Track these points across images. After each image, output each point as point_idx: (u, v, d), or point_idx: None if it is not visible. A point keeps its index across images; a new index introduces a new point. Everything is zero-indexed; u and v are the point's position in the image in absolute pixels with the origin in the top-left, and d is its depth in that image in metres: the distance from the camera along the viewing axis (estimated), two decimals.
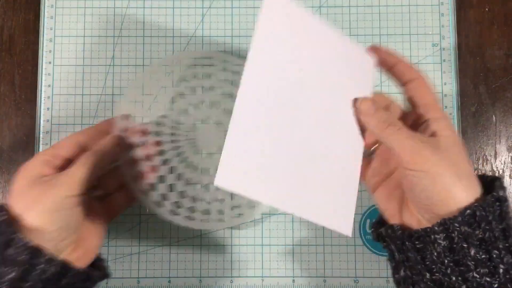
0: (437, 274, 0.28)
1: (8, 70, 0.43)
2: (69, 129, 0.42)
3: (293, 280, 0.40)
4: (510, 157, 0.42)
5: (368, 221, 0.41)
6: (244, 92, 0.29)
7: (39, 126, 0.42)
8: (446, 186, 0.28)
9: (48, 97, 0.42)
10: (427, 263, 0.28)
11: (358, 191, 0.32)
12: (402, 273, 0.30)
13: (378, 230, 0.32)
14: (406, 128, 0.30)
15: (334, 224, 0.32)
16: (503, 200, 0.27)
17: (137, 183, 0.36)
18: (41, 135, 0.42)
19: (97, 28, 0.43)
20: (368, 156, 0.34)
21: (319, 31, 0.33)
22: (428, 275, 0.28)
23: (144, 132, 0.37)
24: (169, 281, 0.41)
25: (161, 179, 0.38)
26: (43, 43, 0.43)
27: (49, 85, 0.42)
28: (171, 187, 0.38)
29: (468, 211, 0.27)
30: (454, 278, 0.27)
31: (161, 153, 0.38)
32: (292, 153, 0.31)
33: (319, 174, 0.32)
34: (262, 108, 0.30)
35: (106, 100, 0.42)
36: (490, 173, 0.42)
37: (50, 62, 0.42)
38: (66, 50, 0.43)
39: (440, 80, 0.42)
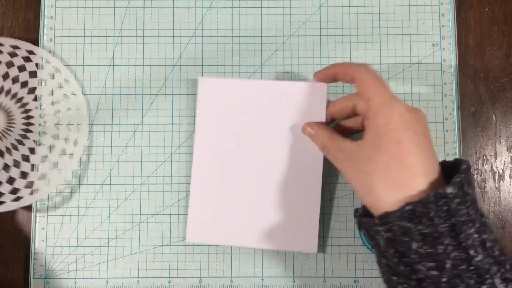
0: (389, 262, 0.29)
1: None
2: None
3: (293, 280, 0.40)
4: (510, 157, 0.42)
5: None
6: (197, 160, 0.39)
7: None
8: (375, 193, 0.30)
9: None
10: (381, 250, 0.30)
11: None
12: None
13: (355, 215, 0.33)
14: (339, 141, 0.33)
15: (299, 247, 0.38)
16: (451, 197, 0.27)
17: None
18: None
19: (97, 28, 0.43)
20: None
21: (258, 88, 0.39)
22: (384, 260, 0.30)
23: None
24: (169, 281, 0.41)
25: None
26: (43, 43, 0.43)
27: None
28: None
29: (408, 207, 0.27)
30: (402, 268, 0.28)
31: None
32: (251, 198, 0.38)
33: (281, 209, 0.38)
34: (215, 167, 0.39)
35: (106, 100, 0.42)
36: (490, 173, 0.42)
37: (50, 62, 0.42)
38: (66, 50, 0.43)
39: (440, 80, 0.42)
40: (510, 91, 0.43)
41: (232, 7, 0.43)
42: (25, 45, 0.42)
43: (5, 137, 0.41)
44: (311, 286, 0.40)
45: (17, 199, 0.40)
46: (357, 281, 0.40)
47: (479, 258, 0.27)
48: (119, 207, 0.41)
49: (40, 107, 0.41)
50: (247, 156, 0.39)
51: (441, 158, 0.41)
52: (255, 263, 0.41)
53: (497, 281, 0.26)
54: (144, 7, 0.43)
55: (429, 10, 0.43)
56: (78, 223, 0.41)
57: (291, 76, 0.42)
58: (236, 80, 0.39)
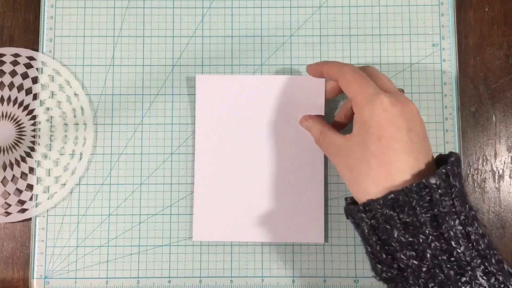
0: (373, 250, 0.30)
1: None
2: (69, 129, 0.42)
3: (293, 280, 0.40)
4: (510, 157, 0.42)
5: None
6: (199, 159, 0.39)
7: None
8: (359, 187, 0.31)
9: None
10: (366, 237, 0.30)
11: None
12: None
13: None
14: (330, 134, 0.34)
15: (306, 238, 0.39)
16: (434, 187, 0.27)
17: None
18: None
19: (97, 28, 0.43)
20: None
21: (256, 83, 0.39)
22: (369, 248, 0.31)
23: None
24: (169, 281, 0.41)
25: None
26: (43, 43, 0.43)
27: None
28: None
29: (391, 195, 0.28)
30: (384, 256, 0.29)
31: None
32: (254, 192, 0.39)
33: (285, 201, 0.39)
34: (217, 165, 0.39)
35: (106, 100, 0.42)
36: (490, 173, 0.42)
37: None
38: (66, 50, 0.43)
39: (440, 80, 0.42)
40: (510, 91, 0.43)
41: (232, 7, 0.43)
42: (25, 52, 0.42)
43: (17, 146, 0.41)
44: (311, 286, 0.40)
45: (37, 205, 0.41)
46: (357, 281, 0.40)
47: (461, 249, 0.27)
48: (119, 207, 0.41)
49: (46, 111, 0.42)
50: (249, 151, 0.39)
51: None
52: (255, 263, 0.41)
53: (479, 273, 0.26)
54: (144, 7, 0.43)
55: (429, 10, 0.43)
56: (78, 223, 0.41)
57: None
58: (233, 76, 0.40)
